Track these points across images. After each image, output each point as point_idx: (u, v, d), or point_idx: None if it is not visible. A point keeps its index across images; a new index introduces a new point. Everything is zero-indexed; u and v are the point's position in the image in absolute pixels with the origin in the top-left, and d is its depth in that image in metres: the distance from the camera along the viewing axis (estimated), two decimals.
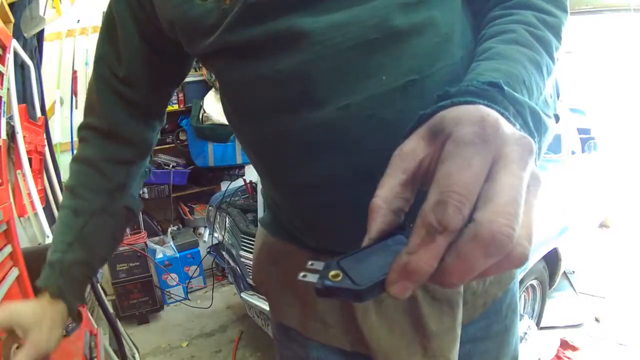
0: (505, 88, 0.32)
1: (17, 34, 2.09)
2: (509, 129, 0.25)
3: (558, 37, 0.43)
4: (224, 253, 2.32)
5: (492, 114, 0.26)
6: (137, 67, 0.58)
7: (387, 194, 0.27)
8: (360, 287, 0.25)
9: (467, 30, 0.48)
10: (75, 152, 0.64)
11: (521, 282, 1.85)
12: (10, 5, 1.95)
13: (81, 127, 0.64)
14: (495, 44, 0.41)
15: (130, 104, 0.61)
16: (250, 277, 2.03)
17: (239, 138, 0.56)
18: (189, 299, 3.00)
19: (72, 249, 0.60)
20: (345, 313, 0.56)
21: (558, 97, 0.46)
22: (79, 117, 3.02)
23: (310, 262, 0.28)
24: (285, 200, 0.55)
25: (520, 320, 1.82)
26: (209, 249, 2.67)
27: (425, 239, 0.23)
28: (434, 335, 0.54)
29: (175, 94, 3.38)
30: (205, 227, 3.32)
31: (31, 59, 2.19)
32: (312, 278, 0.26)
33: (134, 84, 0.60)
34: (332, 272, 0.26)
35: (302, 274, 0.27)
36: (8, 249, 1.18)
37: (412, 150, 0.28)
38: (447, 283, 0.24)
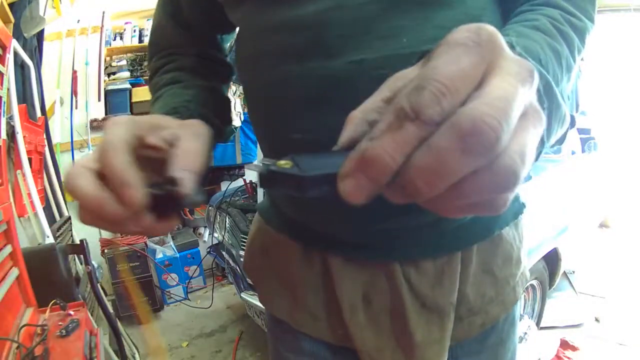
0: (517, 47, 0.29)
1: (17, 34, 2.09)
2: (507, 47, 0.22)
3: (582, 39, 0.42)
4: (224, 253, 2.32)
5: (490, 27, 0.22)
6: (195, 14, 0.60)
7: (366, 106, 0.24)
8: (305, 174, 0.22)
9: (497, 25, 0.47)
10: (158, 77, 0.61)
11: None
12: (10, 5, 1.95)
13: (153, 60, 0.63)
14: (517, 26, 0.40)
15: (191, 40, 0.63)
16: None
17: (247, 94, 0.55)
18: (189, 299, 3.01)
19: (191, 104, 0.51)
20: (333, 309, 0.56)
21: (577, 109, 0.44)
22: (79, 117, 3.02)
23: (263, 158, 0.26)
24: None
25: (520, 320, 1.82)
26: (209, 249, 2.67)
27: (393, 124, 0.20)
28: (419, 345, 0.52)
29: None
30: (205, 227, 3.32)
31: (31, 59, 2.19)
32: (257, 168, 0.24)
33: (191, 26, 0.61)
34: (282, 161, 0.23)
35: (253, 164, 0.25)
36: (8, 249, 1.18)
37: (405, 73, 0.25)
38: (411, 188, 0.20)
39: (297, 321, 0.61)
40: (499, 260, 0.55)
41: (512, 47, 0.27)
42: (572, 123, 0.38)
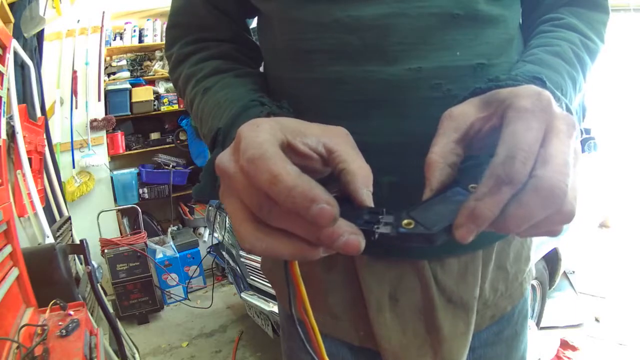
0: (547, 83, 0.37)
1: (17, 34, 2.09)
2: (557, 106, 0.30)
3: (593, 60, 0.49)
4: (224, 253, 2.32)
5: (545, 91, 0.30)
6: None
7: (442, 150, 0.31)
8: (432, 231, 0.28)
9: (521, 41, 0.52)
10: (182, 68, 0.56)
11: None
12: (10, 5, 1.95)
13: (177, 46, 0.58)
14: (542, 53, 0.46)
15: (225, 22, 0.58)
16: (251, 277, 2.03)
17: (279, 86, 0.52)
18: (189, 299, 3.01)
19: (265, 98, 0.46)
20: (357, 308, 0.56)
21: (584, 117, 0.51)
22: (79, 117, 3.02)
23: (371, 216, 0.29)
24: None
25: None
26: (209, 249, 2.67)
27: (493, 189, 0.26)
28: (446, 338, 0.53)
29: (176, 94, 3.38)
30: (205, 227, 3.32)
31: (31, 59, 2.19)
32: (385, 229, 0.28)
33: (224, 7, 0.57)
34: (405, 221, 0.28)
35: (374, 227, 0.28)
36: (8, 249, 1.18)
37: (463, 113, 0.32)
38: (505, 228, 0.28)
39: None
40: (511, 257, 0.57)
41: (543, 82, 0.37)
42: (581, 133, 0.43)
